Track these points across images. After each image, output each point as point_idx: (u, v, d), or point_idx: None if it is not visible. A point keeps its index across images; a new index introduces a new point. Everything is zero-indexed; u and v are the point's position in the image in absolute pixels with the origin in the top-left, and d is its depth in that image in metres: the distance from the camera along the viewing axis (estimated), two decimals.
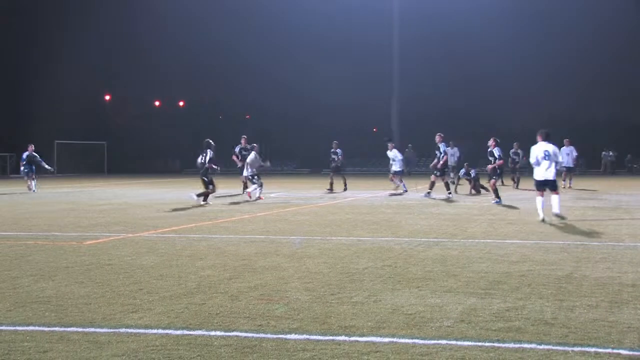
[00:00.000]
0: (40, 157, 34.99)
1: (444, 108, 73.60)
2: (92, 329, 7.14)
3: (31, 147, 34.71)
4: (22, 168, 34.61)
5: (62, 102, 74.38)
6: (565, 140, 35.00)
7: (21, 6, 72.89)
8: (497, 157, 23.85)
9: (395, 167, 31.25)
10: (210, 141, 24.68)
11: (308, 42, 76.14)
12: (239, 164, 29.67)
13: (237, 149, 30.35)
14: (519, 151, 35.24)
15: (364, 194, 29.69)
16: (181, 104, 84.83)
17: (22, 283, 9.61)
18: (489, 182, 25.06)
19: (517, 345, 6.54)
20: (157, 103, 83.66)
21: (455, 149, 38.15)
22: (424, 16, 68.80)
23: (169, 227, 16.74)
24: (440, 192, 28.25)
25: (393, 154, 31.44)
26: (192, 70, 79.71)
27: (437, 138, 28.10)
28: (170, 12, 76.81)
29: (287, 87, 75.25)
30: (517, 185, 34.56)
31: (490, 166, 24.55)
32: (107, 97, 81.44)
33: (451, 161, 38.32)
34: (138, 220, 18.55)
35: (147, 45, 76.17)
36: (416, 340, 6.72)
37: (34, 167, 34.32)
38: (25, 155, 34.64)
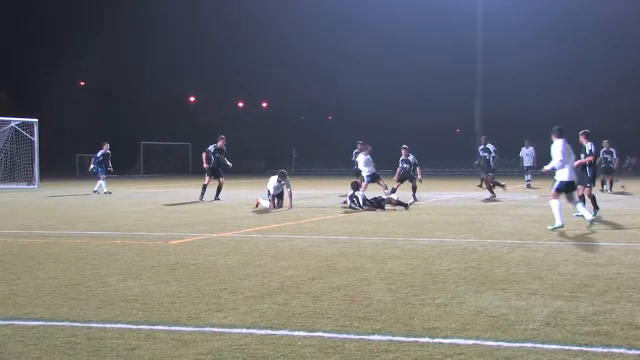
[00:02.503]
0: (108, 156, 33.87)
1: (529, 110, 72.44)
2: (178, 328, 7.25)
3: (106, 146, 33.61)
4: (93, 166, 33.59)
5: (148, 104, 75.98)
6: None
7: (116, 13, 74.67)
8: (587, 152, 20.78)
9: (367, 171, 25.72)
10: None
11: (393, 43, 75.96)
12: (205, 165, 27.12)
13: (211, 149, 27.20)
14: (489, 146, 28.94)
15: (446, 195, 29.41)
16: (264, 105, 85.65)
17: (110, 281, 9.83)
18: (585, 189, 20.46)
19: (606, 350, 6.39)
20: (240, 104, 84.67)
21: (531, 148, 37.24)
22: (511, 16, 68.02)
23: (253, 228, 16.90)
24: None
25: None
26: (276, 72, 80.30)
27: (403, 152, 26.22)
28: (253, 14, 77.59)
29: (367, 88, 75.06)
30: (481, 185, 31.14)
31: (577, 162, 21.11)
32: (192, 99, 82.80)
33: (527, 162, 37.67)
34: (222, 221, 18.78)
35: (230, 47, 77.08)
36: (501, 343, 6.62)
37: (102, 167, 33.23)
38: (100, 153, 33.50)
